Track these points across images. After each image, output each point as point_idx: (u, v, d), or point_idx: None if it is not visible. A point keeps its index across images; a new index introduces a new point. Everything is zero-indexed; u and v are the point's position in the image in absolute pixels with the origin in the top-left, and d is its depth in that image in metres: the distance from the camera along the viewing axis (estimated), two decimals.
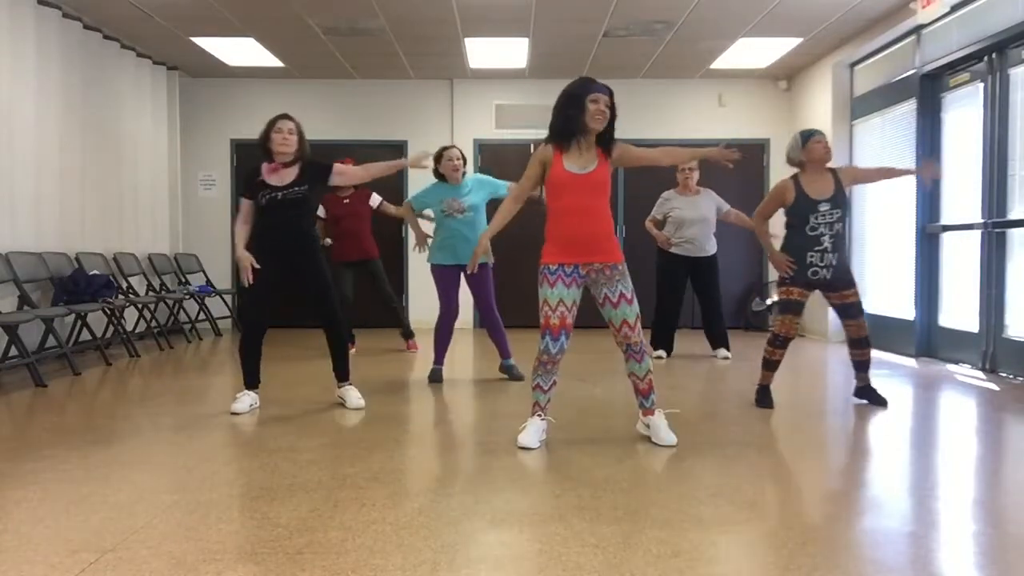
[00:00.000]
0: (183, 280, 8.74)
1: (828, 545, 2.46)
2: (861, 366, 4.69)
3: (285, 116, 4.44)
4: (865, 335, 4.57)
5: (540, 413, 3.75)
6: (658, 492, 2.99)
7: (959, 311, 6.56)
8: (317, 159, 4.52)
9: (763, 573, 2.23)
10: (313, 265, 4.46)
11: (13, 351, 5.52)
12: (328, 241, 7.13)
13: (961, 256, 6.53)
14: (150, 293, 7.92)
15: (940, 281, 6.89)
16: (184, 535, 2.52)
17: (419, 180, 8.79)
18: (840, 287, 4.51)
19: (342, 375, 4.67)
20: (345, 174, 4.57)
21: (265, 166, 4.41)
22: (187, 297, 8.27)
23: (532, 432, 3.69)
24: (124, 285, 7.38)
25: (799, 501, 2.95)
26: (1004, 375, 5.86)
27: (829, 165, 4.57)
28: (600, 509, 2.78)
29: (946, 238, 6.82)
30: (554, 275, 3.66)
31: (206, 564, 2.28)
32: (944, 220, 6.84)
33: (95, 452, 3.58)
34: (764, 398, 4.66)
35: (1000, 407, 4.79)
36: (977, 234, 6.22)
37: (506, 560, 2.34)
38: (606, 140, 3.70)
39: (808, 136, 4.53)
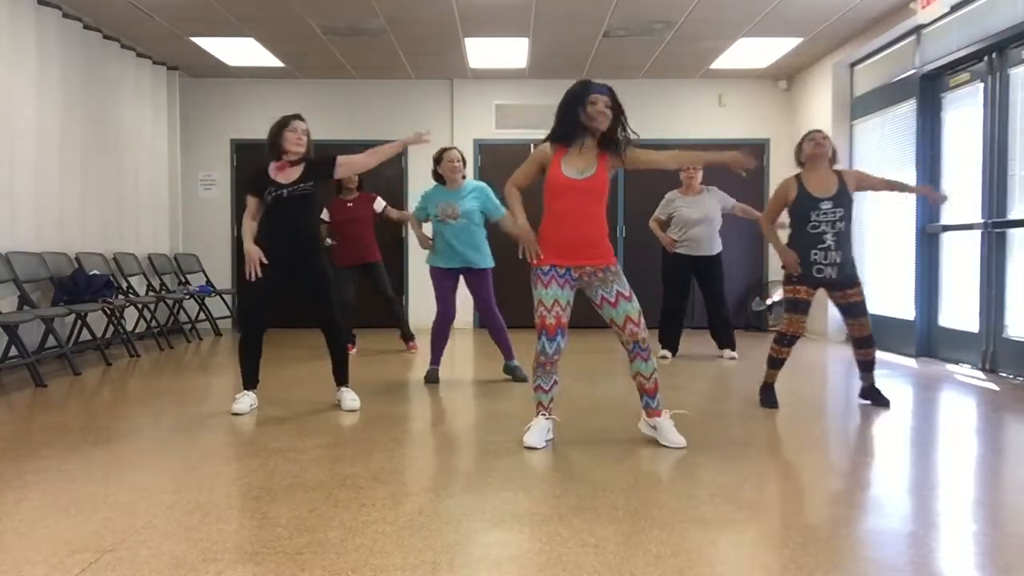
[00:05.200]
0: (183, 280, 8.74)
1: (828, 545, 2.46)
2: (865, 365, 4.67)
3: (299, 116, 4.49)
4: (868, 334, 4.56)
5: (544, 413, 3.74)
6: (658, 492, 2.99)
7: (959, 311, 6.55)
8: (319, 156, 4.55)
9: (763, 573, 2.23)
10: (315, 265, 4.48)
11: (13, 351, 5.52)
12: (329, 241, 7.13)
13: (961, 256, 6.53)
14: (150, 293, 7.91)
15: (940, 281, 6.89)
16: (184, 535, 2.51)
17: (419, 179, 8.82)
18: (844, 286, 4.50)
19: (340, 379, 4.68)
20: (350, 164, 4.54)
21: (273, 165, 4.44)
22: (187, 297, 8.27)
23: (537, 432, 3.69)
24: (124, 285, 7.38)
25: (799, 501, 2.95)
26: (1004, 375, 5.85)
27: (835, 168, 4.60)
28: (600, 509, 2.77)
29: (946, 238, 6.82)
30: (547, 275, 3.65)
31: (206, 564, 2.28)
32: (944, 220, 6.83)
33: (95, 452, 3.58)
34: (768, 397, 4.66)
35: (1000, 407, 4.78)
36: (977, 234, 6.22)
37: (506, 560, 2.34)
38: (609, 142, 3.69)
39: (805, 135, 4.66)
